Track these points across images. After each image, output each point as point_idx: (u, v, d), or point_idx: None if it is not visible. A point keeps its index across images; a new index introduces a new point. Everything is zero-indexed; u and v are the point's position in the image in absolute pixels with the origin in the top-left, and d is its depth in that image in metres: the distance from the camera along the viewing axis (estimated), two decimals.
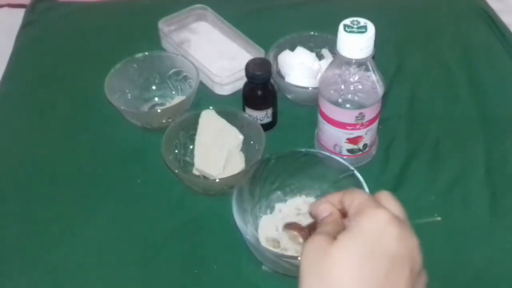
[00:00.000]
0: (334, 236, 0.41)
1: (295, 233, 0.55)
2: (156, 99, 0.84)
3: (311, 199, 0.69)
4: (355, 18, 0.64)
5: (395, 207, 0.44)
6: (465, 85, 0.86)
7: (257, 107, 0.76)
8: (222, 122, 0.74)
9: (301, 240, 0.54)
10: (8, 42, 0.95)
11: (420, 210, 0.69)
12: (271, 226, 0.66)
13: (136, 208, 0.70)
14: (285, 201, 0.69)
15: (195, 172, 0.73)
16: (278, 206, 0.69)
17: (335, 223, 0.44)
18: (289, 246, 0.64)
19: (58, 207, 0.71)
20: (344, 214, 0.45)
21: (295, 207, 0.68)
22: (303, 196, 0.69)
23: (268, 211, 0.68)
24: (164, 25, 0.92)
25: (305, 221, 0.65)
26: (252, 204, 0.66)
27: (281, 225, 0.66)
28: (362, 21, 0.64)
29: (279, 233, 0.65)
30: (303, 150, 0.68)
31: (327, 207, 0.47)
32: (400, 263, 0.40)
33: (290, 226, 0.56)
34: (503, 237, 0.66)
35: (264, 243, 0.64)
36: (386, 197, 0.45)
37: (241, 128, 0.74)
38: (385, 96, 0.70)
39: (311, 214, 0.50)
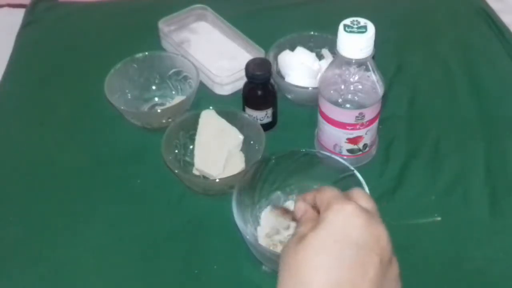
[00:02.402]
0: (306, 235, 0.43)
1: (280, 212, 0.60)
2: (156, 99, 0.84)
3: None
4: (355, 18, 0.64)
5: (365, 201, 0.45)
6: (465, 85, 0.86)
7: (257, 107, 0.76)
8: (222, 122, 0.74)
9: (288, 218, 0.59)
10: (8, 42, 0.95)
11: (420, 210, 0.69)
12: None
13: (136, 208, 0.70)
14: (286, 201, 0.69)
15: (195, 172, 0.73)
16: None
17: (308, 222, 0.45)
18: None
19: (58, 207, 0.71)
20: (318, 211, 0.46)
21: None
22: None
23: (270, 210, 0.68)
24: (164, 25, 0.92)
25: None
26: (252, 204, 0.66)
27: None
28: (362, 21, 0.64)
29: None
30: (303, 150, 0.68)
31: (301, 206, 0.48)
32: (367, 252, 0.41)
33: (277, 207, 0.63)
34: (503, 237, 0.66)
35: (263, 238, 0.64)
36: (357, 193, 0.46)
37: (241, 128, 0.74)
38: (385, 96, 0.70)
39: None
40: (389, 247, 0.42)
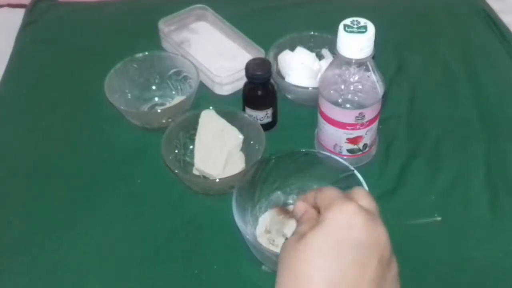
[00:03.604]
0: (306, 234, 0.43)
1: (278, 210, 0.60)
2: (156, 99, 0.84)
3: None
4: (355, 18, 0.64)
5: (366, 201, 0.45)
6: (465, 85, 0.86)
7: (257, 107, 0.76)
8: (222, 122, 0.74)
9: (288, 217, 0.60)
10: (8, 42, 0.95)
11: (420, 210, 0.69)
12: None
13: (136, 208, 0.70)
14: (286, 201, 0.69)
15: (195, 172, 0.73)
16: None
17: (308, 221, 0.45)
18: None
19: (58, 207, 0.71)
20: (319, 211, 0.46)
21: None
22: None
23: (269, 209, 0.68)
24: (164, 25, 0.92)
25: None
26: (252, 204, 0.66)
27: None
28: (362, 21, 0.64)
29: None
30: (303, 150, 0.68)
31: (301, 206, 0.49)
32: (367, 252, 0.41)
33: (277, 207, 0.64)
34: (503, 237, 0.66)
35: (263, 237, 0.64)
36: (358, 192, 0.46)
37: (241, 128, 0.74)
38: (385, 96, 0.69)
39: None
40: (388, 247, 0.42)
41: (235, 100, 0.80)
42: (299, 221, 0.47)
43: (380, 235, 0.42)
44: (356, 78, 0.66)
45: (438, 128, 0.79)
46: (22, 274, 0.64)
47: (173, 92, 0.84)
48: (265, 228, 0.66)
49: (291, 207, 0.68)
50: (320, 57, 0.86)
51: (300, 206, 0.49)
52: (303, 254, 0.41)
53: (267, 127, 0.77)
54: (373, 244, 0.41)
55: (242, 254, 0.64)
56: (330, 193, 0.46)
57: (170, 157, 0.71)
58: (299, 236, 0.43)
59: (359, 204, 0.43)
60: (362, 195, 0.46)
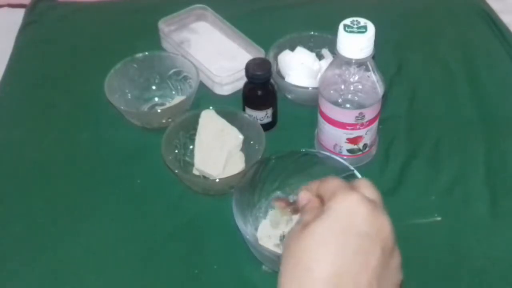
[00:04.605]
0: (309, 223, 0.43)
1: (283, 204, 0.59)
2: (156, 99, 0.84)
3: None
4: (355, 18, 0.64)
5: (370, 191, 0.45)
6: (465, 85, 0.86)
7: (257, 107, 0.76)
8: (222, 122, 0.74)
9: (289, 212, 0.59)
10: (8, 42, 0.95)
11: (420, 210, 0.69)
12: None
13: (136, 208, 0.70)
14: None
15: (195, 172, 0.73)
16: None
17: (312, 211, 0.45)
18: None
19: (58, 207, 0.71)
20: (322, 201, 0.46)
21: None
22: None
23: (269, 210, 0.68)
24: (164, 25, 0.92)
25: None
26: (252, 204, 0.66)
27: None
28: (362, 21, 0.64)
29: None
30: (303, 150, 0.68)
31: (305, 195, 0.49)
32: (370, 241, 0.41)
33: (279, 199, 0.63)
34: (503, 237, 0.66)
35: (264, 243, 0.64)
36: (362, 183, 0.46)
37: (241, 128, 0.74)
38: (385, 96, 0.70)
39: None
40: (391, 237, 0.42)
41: (235, 100, 0.80)
42: (302, 211, 0.48)
43: (383, 224, 0.42)
44: (356, 78, 0.66)
45: (438, 128, 0.79)
46: (22, 274, 0.64)
47: (173, 92, 0.84)
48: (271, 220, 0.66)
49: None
50: (320, 57, 0.86)
51: (303, 195, 0.49)
52: (307, 243, 0.41)
53: (267, 127, 0.77)
54: (377, 233, 0.41)
55: (242, 254, 0.64)
56: (333, 182, 0.46)
57: (170, 157, 0.71)
58: (303, 225, 0.43)
59: (363, 194, 0.43)
60: (366, 185, 0.46)
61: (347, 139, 0.70)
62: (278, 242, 0.65)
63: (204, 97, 0.83)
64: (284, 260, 0.43)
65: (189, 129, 0.74)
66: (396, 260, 0.43)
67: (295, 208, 0.56)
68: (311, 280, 0.40)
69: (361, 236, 0.41)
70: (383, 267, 0.41)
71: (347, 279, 0.39)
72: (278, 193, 0.69)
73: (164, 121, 0.78)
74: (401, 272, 0.44)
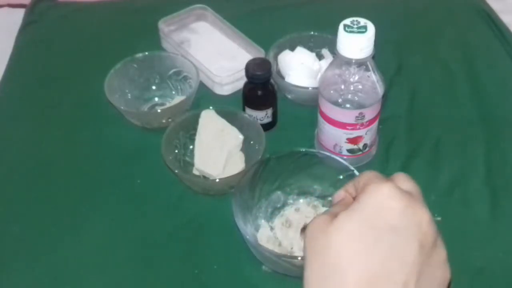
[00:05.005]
0: (337, 215, 0.40)
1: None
2: (156, 99, 0.84)
3: (311, 199, 0.69)
4: (355, 18, 0.64)
5: (406, 183, 0.41)
6: (465, 85, 0.86)
7: (257, 107, 0.76)
8: (222, 122, 0.74)
9: None
10: (8, 42, 0.95)
11: None
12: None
13: (136, 208, 0.70)
14: (286, 201, 0.69)
15: (195, 172, 0.73)
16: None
17: (342, 204, 0.43)
18: (295, 247, 0.64)
19: (58, 207, 0.71)
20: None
21: (295, 206, 0.68)
22: (303, 196, 0.69)
23: (269, 210, 0.68)
24: (164, 25, 0.92)
25: (306, 219, 0.66)
26: (252, 204, 0.66)
27: (281, 224, 0.67)
28: (362, 21, 0.64)
29: (276, 233, 0.66)
30: (303, 150, 0.68)
31: (340, 194, 0.46)
32: (405, 236, 0.38)
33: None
34: (503, 237, 0.66)
35: (264, 243, 0.64)
36: (398, 175, 0.43)
37: (241, 128, 0.74)
38: (385, 96, 0.70)
39: None
40: (432, 231, 0.39)
41: (235, 100, 0.80)
42: (333, 205, 0.45)
43: (420, 217, 0.39)
44: (356, 78, 0.66)
45: (438, 128, 0.79)
46: (22, 274, 0.64)
47: (173, 92, 0.84)
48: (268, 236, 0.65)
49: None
50: (320, 57, 0.86)
51: (339, 193, 0.46)
52: (334, 238, 0.38)
53: (267, 127, 0.77)
54: (413, 227, 0.38)
55: (242, 254, 0.64)
56: (367, 175, 0.43)
57: (170, 157, 0.71)
58: (330, 216, 0.40)
59: (397, 185, 0.40)
60: (402, 178, 0.42)
61: (347, 139, 0.70)
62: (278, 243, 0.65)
63: (204, 97, 0.83)
64: (310, 257, 0.39)
65: (189, 129, 0.74)
66: (439, 256, 0.40)
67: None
68: (343, 284, 0.37)
69: (395, 230, 0.38)
70: (423, 264, 0.38)
71: (382, 279, 0.37)
72: (278, 193, 0.69)
73: (164, 121, 0.78)
74: (448, 269, 0.41)
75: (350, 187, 0.46)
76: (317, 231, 0.40)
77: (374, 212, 0.39)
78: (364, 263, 0.37)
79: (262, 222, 0.67)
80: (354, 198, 0.43)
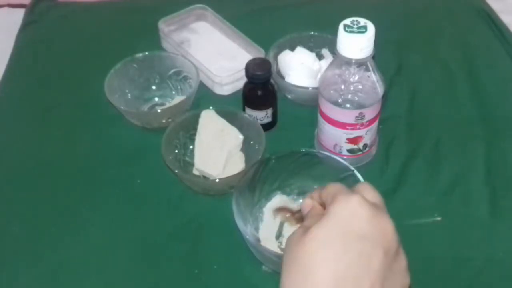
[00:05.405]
0: (311, 227, 0.43)
1: (287, 215, 0.60)
2: (156, 99, 0.84)
3: None
4: (355, 18, 0.64)
5: (371, 194, 0.45)
6: (465, 85, 0.86)
7: (257, 107, 0.76)
8: (222, 122, 0.74)
9: (294, 222, 0.60)
10: (8, 42, 0.95)
11: (420, 210, 0.69)
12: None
13: (136, 208, 0.70)
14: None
15: (195, 172, 0.73)
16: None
17: (314, 216, 0.46)
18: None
19: (58, 207, 0.71)
20: (325, 207, 0.47)
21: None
22: (303, 196, 0.69)
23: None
24: (164, 25, 0.92)
25: None
26: (252, 204, 0.66)
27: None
28: (362, 21, 0.64)
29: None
30: (303, 150, 0.68)
31: (308, 202, 0.50)
32: (372, 244, 0.41)
33: (281, 209, 0.64)
34: (503, 237, 0.66)
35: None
36: (363, 186, 0.46)
37: (241, 128, 0.74)
38: (385, 96, 0.70)
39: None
40: (395, 239, 0.42)
41: (235, 100, 0.80)
42: (306, 217, 0.48)
43: (385, 227, 0.42)
44: (356, 78, 0.66)
45: (438, 128, 0.79)
46: (22, 274, 0.64)
47: (173, 92, 0.84)
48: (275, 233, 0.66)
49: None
50: (320, 57, 0.86)
51: (307, 202, 0.50)
52: (308, 246, 0.41)
53: (267, 127, 0.77)
54: (379, 236, 0.41)
55: (242, 254, 0.64)
56: (334, 187, 0.46)
57: (170, 157, 0.71)
58: (304, 229, 0.43)
59: (364, 196, 0.43)
60: (367, 189, 0.46)
61: (347, 139, 0.70)
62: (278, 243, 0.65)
63: (204, 97, 0.83)
64: (286, 265, 0.43)
65: (189, 129, 0.74)
66: (401, 263, 0.43)
67: (299, 217, 0.56)
68: (313, 285, 0.40)
69: (363, 238, 0.41)
70: (387, 270, 0.41)
71: (349, 283, 0.39)
72: (278, 193, 0.69)
73: (164, 121, 0.78)
74: (408, 276, 0.43)
75: (315, 195, 0.50)
76: (293, 242, 0.43)
77: (344, 221, 0.42)
78: (333, 268, 0.40)
79: (264, 223, 0.67)
80: (321, 204, 0.48)
